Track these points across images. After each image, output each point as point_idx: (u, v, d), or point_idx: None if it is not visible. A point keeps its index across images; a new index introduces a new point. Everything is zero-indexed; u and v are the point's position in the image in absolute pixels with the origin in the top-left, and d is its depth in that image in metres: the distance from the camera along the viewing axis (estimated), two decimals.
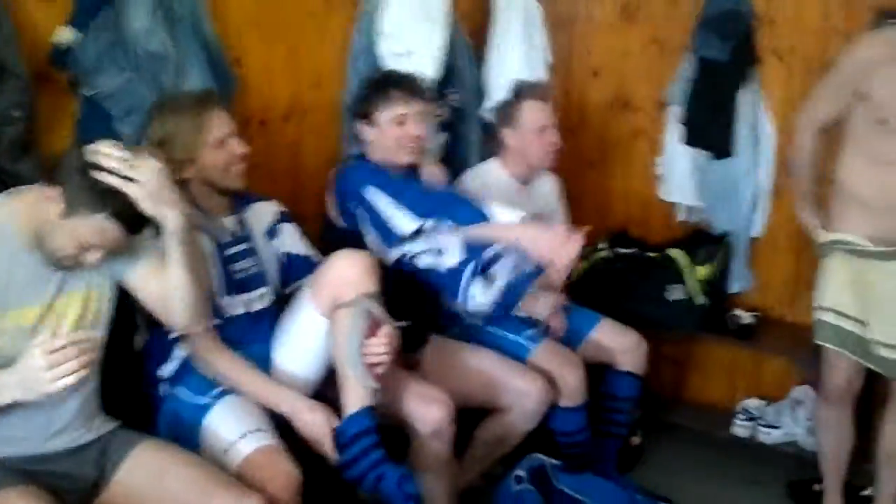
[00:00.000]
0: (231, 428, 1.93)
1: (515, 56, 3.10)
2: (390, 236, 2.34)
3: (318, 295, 2.08)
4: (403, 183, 2.42)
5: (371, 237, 2.40)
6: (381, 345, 2.04)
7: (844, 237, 2.38)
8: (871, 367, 2.41)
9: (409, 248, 2.34)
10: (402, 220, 2.32)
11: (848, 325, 2.38)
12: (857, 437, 2.60)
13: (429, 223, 2.31)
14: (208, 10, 2.29)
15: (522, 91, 2.82)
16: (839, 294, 2.40)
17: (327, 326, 2.07)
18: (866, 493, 2.70)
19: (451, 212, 2.32)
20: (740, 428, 3.04)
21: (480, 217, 2.32)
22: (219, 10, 2.35)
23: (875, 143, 2.29)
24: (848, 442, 2.59)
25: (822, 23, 2.88)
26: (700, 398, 3.32)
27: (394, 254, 2.35)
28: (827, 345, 2.43)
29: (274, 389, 2.04)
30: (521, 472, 2.40)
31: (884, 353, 2.34)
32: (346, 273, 2.05)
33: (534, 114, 2.77)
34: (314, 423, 2.01)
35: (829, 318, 2.41)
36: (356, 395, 2.04)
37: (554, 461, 2.47)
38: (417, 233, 2.32)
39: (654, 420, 3.19)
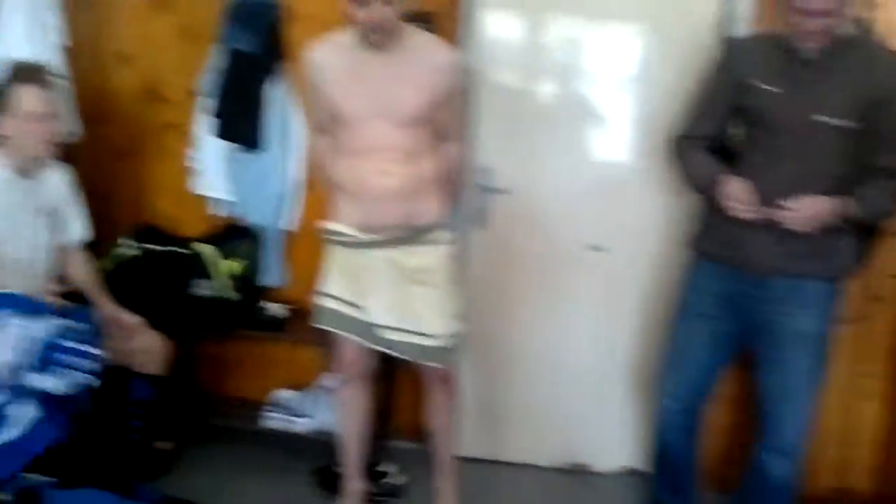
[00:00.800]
0: None
1: (17, 35, 2.80)
2: None
3: None
4: None
5: None
6: None
7: (336, 227, 2.48)
8: (377, 348, 2.53)
9: None
10: None
11: (346, 310, 2.49)
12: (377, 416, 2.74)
13: None
14: None
15: (20, 74, 2.55)
16: (337, 281, 2.50)
17: None
18: (383, 468, 2.87)
19: None
20: (273, 420, 3.05)
21: None
22: None
23: (342, 136, 2.40)
24: (365, 419, 2.70)
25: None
26: (239, 395, 3.26)
27: None
28: (327, 328, 2.52)
29: None
30: (4, 497, 2.16)
31: (382, 334, 2.48)
32: None
33: (30, 100, 2.52)
34: None
35: (328, 303, 2.51)
36: None
37: (48, 479, 2.26)
38: None
39: (195, 421, 3.08)
